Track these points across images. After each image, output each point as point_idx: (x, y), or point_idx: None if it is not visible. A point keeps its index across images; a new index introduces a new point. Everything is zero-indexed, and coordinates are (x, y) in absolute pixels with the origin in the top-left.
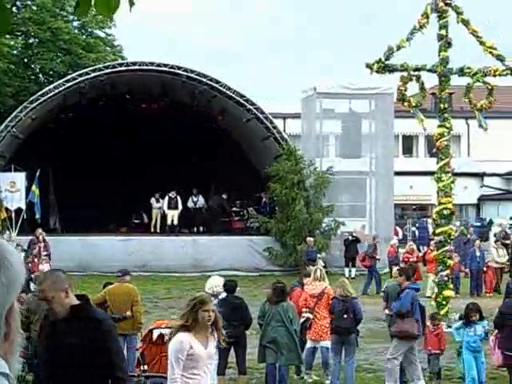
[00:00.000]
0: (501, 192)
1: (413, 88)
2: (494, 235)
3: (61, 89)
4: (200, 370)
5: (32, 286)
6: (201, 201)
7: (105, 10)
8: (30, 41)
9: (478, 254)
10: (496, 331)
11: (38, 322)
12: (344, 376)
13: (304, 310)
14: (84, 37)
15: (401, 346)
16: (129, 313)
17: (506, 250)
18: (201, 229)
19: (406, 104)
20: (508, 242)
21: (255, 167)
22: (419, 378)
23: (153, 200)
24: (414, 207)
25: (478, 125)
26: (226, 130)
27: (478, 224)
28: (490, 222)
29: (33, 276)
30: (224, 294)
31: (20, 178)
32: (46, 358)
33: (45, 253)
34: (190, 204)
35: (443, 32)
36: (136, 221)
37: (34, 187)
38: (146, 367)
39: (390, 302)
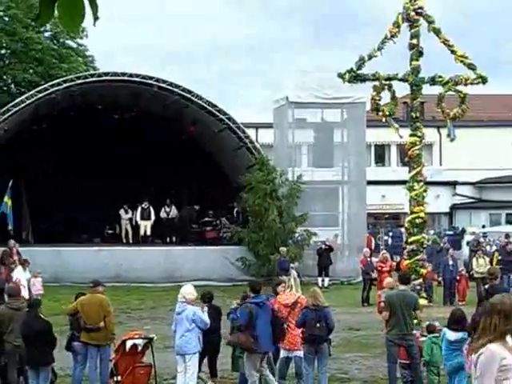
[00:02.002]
0: (473, 200)
1: (384, 97)
2: (467, 244)
3: (33, 99)
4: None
5: (6, 297)
6: (174, 211)
7: (69, 24)
8: (2, 51)
9: (450, 262)
10: (470, 339)
11: (11, 333)
12: None
13: None
14: (56, 47)
15: (249, 361)
16: (102, 323)
17: (487, 260)
18: (173, 239)
19: (380, 114)
20: (479, 251)
21: (228, 177)
22: None
23: (122, 211)
24: (386, 216)
25: (446, 134)
26: (199, 141)
27: (451, 233)
28: (463, 231)
29: (6, 287)
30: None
31: None
32: None
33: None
34: (162, 214)
35: (414, 41)
36: (109, 231)
37: (6, 198)
38: (119, 378)
39: (394, 311)
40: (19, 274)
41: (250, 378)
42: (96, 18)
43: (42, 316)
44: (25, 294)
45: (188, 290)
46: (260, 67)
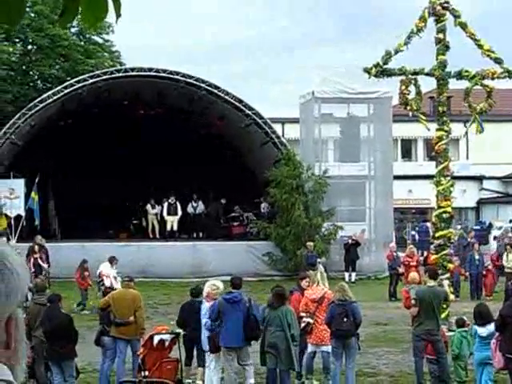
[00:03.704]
0: (499, 195)
1: (411, 92)
2: (494, 238)
3: (59, 95)
4: None
5: (29, 294)
6: (200, 206)
7: (91, 21)
8: (29, 47)
9: (477, 257)
10: (497, 334)
11: (38, 328)
12: (345, 380)
13: (304, 314)
14: (82, 43)
15: (217, 357)
16: (132, 318)
17: None
18: (200, 234)
19: (408, 108)
20: (508, 246)
21: (254, 172)
22: (251, 376)
23: (148, 206)
24: (413, 211)
25: (465, 131)
26: (225, 136)
27: (478, 227)
28: (490, 226)
29: (30, 285)
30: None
31: (19, 184)
32: None
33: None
34: (189, 209)
35: (441, 35)
36: (135, 223)
37: (33, 194)
38: (146, 373)
39: (423, 306)
40: (106, 270)
41: (216, 374)
42: (118, 16)
43: (63, 311)
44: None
45: (207, 287)
46: (285, 62)
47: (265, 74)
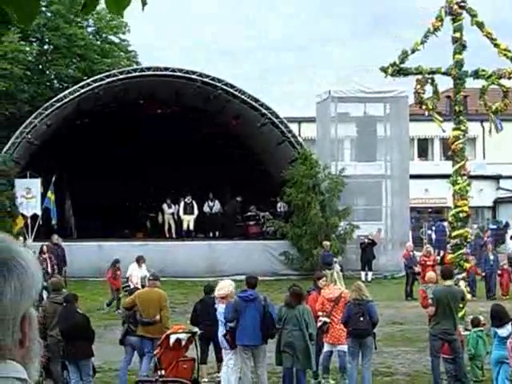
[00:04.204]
0: None
1: (427, 91)
2: (511, 238)
3: (76, 95)
4: None
5: (45, 293)
6: (217, 206)
7: (114, 7)
8: (45, 47)
9: (491, 257)
10: None
11: (55, 327)
12: (361, 380)
13: (321, 313)
14: (99, 42)
15: (235, 354)
16: (157, 317)
17: None
18: (216, 234)
19: (423, 107)
20: None
21: (270, 172)
22: None
23: (165, 206)
24: (429, 210)
25: (489, 129)
26: (241, 135)
27: (495, 227)
28: (507, 225)
29: (46, 284)
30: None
31: (35, 184)
32: None
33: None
34: (205, 209)
35: (457, 35)
36: (151, 216)
37: (49, 193)
38: (163, 372)
39: (440, 306)
40: (134, 271)
41: (234, 373)
42: (144, 4)
43: (79, 310)
44: None
45: (223, 285)
46: (302, 62)
47: (282, 73)
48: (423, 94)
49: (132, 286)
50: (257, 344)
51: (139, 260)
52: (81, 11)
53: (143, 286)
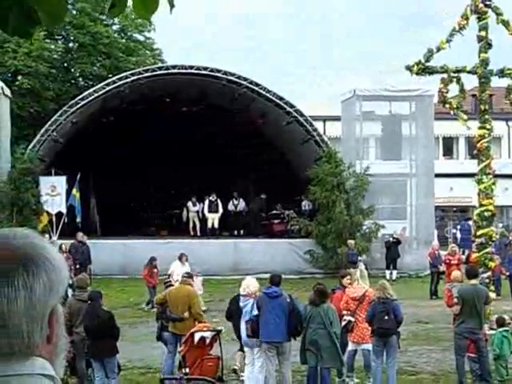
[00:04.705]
0: None
1: (452, 89)
2: None
3: (101, 92)
4: None
5: (69, 291)
6: (241, 204)
7: (143, 12)
8: (70, 45)
9: None
10: None
11: (80, 325)
12: (386, 378)
13: (345, 312)
14: (124, 40)
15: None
16: (186, 314)
17: None
18: (241, 232)
19: (447, 106)
20: None
21: (295, 170)
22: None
23: (189, 204)
24: (454, 209)
25: None
26: (266, 133)
27: None
28: None
29: (70, 281)
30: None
31: (60, 181)
32: None
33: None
34: (230, 207)
35: (483, 33)
36: (175, 212)
37: (74, 191)
38: (187, 370)
39: (466, 305)
40: (176, 268)
41: (261, 373)
42: (172, 6)
43: (104, 308)
44: None
45: (250, 283)
46: (326, 60)
47: (306, 71)
48: (446, 93)
49: (175, 285)
50: (280, 340)
51: (181, 257)
52: (108, 12)
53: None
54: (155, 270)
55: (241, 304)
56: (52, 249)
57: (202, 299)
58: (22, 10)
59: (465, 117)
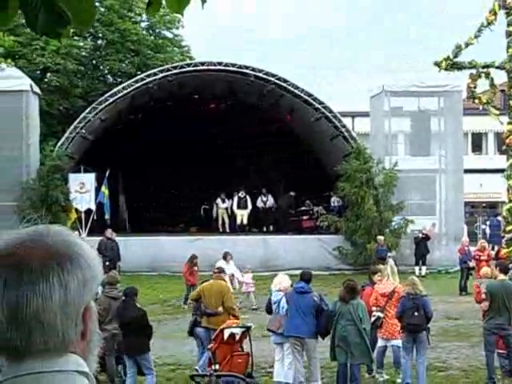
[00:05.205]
0: None
1: (481, 85)
2: None
3: (129, 89)
4: None
5: (99, 288)
6: (270, 200)
7: (175, 7)
8: (99, 42)
9: None
10: None
11: (111, 322)
12: (415, 374)
13: (375, 308)
14: (152, 38)
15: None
16: (220, 308)
17: None
18: (270, 228)
19: (476, 101)
20: None
21: (324, 166)
22: (316, 380)
23: (219, 200)
24: (483, 205)
25: None
26: (295, 130)
27: None
28: None
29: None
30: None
31: (89, 178)
32: None
33: None
34: (259, 204)
35: (511, 28)
36: (205, 208)
37: (103, 188)
38: (217, 366)
39: (494, 301)
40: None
41: (291, 368)
42: (204, 1)
43: (138, 305)
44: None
45: (282, 279)
46: (354, 56)
47: (335, 67)
48: (475, 88)
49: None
50: (303, 336)
51: (226, 256)
52: (145, 10)
53: (231, 283)
54: (195, 268)
55: (272, 299)
56: (86, 246)
57: (253, 296)
58: (51, 10)
59: (496, 112)
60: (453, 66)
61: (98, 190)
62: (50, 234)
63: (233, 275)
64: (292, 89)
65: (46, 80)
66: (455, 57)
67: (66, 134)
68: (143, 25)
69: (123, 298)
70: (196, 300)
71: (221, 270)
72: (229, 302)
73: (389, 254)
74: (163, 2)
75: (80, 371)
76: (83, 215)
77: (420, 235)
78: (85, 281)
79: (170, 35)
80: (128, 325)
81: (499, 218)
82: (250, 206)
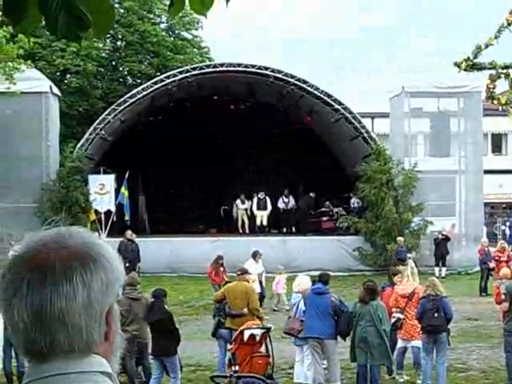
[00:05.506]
0: None
1: (502, 85)
2: None
3: (149, 91)
4: None
5: (120, 289)
6: (292, 201)
7: (199, 8)
8: (118, 43)
9: None
10: None
11: (132, 323)
12: (435, 376)
13: (394, 310)
14: (171, 39)
15: (299, 347)
16: (245, 310)
17: None
18: (290, 229)
19: (495, 102)
20: None
21: (343, 167)
22: (336, 380)
23: (238, 201)
24: (503, 206)
25: None
26: (314, 131)
27: None
28: None
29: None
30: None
31: (109, 180)
32: None
33: None
34: (281, 204)
35: None
36: (225, 208)
37: (123, 189)
38: (237, 367)
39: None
40: (250, 266)
41: (310, 369)
42: (228, 0)
43: (166, 307)
44: (256, 287)
45: (302, 281)
46: (375, 56)
47: (355, 68)
48: (494, 89)
49: (251, 283)
50: (323, 337)
51: (255, 255)
52: (167, 12)
53: (260, 282)
54: (221, 269)
55: (292, 301)
56: (108, 247)
57: (285, 297)
58: (71, 13)
59: None
60: (473, 66)
61: (117, 191)
62: (72, 235)
63: (261, 274)
64: (311, 90)
65: (65, 81)
66: (475, 57)
67: (86, 136)
68: (162, 26)
69: (152, 299)
70: (220, 301)
71: (244, 271)
72: (254, 303)
73: (408, 255)
74: (186, 3)
75: (103, 372)
76: (103, 216)
77: (440, 236)
78: (108, 282)
79: (189, 36)
80: (155, 326)
81: None
82: (269, 207)
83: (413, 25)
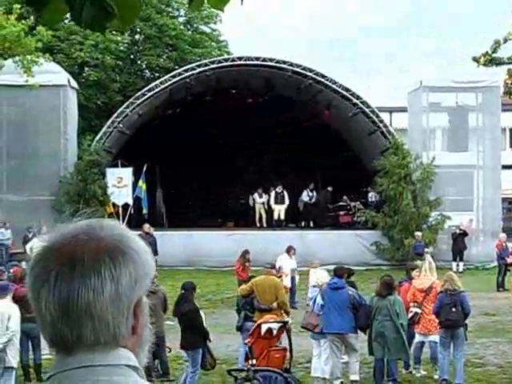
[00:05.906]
0: None
1: None
2: None
3: (167, 84)
4: None
5: None
6: (315, 196)
7: (216, 3)
8: (137, 37)
9: None
10: None
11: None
12: (453, 370)
13: (412, 304)
14: (190, 32)
15: (316, 342)
16: (275, 304)
17: None
18: (307, 223)
19: None
20: None
21: (361, 161)
22: (355, 372)
23: (256, 195)
24: None
25: None
26: (332, 125)
27: None
28: None
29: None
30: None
31: (127, 173)
32: None
33: None
34: (305, 197)
35: None
36: (242, 203)
37: (140, 182)
38: (254, 361)
39: None
40: (283, 261)
41: (328, 363)
42: None
43: (193, 301)
44: (287, 283)
45: (319, 275)
46: (393, 51)
47: (355, 68)
48: (511, 84)
49: (284, 280)
50: (341, 331)
51: (289, 250)
52: (188, 6)
53: (292, 278)
54: (247, 264)
55: (309, 295)
56: (139, 240)
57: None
58: (97, 4)
59: None
60: (491, 61)
61: (135, 184)
62: (104, 227)
63: (294, 270)
64: (330, 84)
65: (83, 75)
66: (494, 52)
67: (104, 129)
68: (181, 20)
69: (182, 291)
70: (246, 296)
71: (272, 266)
72: (282, 297)
73: (426, 250)
74: None
75: (130, 365)
76: (120, 210)
77: (457, 231)
78: (136, 276)
79: (207, 30)
80: (183, 317)
81: None
82: (287, 201)
83: (413, 25)
